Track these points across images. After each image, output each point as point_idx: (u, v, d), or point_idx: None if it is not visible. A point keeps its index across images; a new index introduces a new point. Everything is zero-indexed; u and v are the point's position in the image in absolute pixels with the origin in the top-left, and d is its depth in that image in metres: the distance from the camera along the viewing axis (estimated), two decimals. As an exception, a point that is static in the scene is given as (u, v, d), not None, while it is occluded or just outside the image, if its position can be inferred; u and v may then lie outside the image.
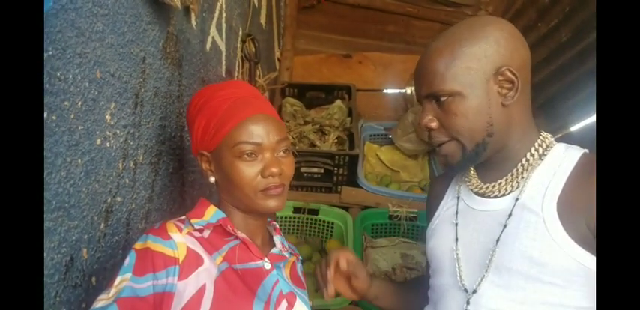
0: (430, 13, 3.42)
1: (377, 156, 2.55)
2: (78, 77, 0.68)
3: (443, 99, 0.78)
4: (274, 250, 0.85)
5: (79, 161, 0.70)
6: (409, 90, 2.91)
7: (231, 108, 0.80)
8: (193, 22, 1.20)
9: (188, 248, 0.73)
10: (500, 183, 0.82)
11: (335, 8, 3.39)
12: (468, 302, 0.80)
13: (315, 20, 3.41)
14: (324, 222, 2.09)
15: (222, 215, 0.81)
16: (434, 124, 0.80)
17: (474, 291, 0.80)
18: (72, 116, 0.67)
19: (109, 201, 0.81)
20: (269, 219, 0.93)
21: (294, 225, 2.11)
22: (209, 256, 0.75)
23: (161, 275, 0.69)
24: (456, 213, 0.88)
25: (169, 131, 1.07)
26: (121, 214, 0.86)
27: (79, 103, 0.69)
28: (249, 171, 0.77)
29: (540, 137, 0.82)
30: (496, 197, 0.83)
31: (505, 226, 0.78)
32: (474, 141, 0.78)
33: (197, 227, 0.77)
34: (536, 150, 0.80)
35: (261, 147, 0.78)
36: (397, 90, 3.17)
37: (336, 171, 2.18)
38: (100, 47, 0.73)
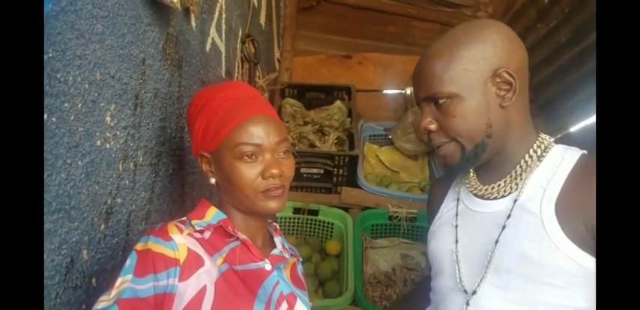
0: (430, 14, 3.43)
1: (377, 157, 2.55)
2: (78, 79, 0.68)
3: (441, 101, 0.78)
4: (275, 251, 0.85)
5: (80, 162, 0.70)
6: (409, 90, 2.92)
7: (231, 109, 0.80)
8: (193, 23, 1.20)
9: (189, 250, 0.73)
10: (500, 184, 0.82)
11: (335, 9, 3.40)
12: (467, 304, 0.80)
13: (314, 21, 3.42)
14: (323, 222, 2.09)
15: (222, 216, 0.81)
16: (433, 126, 0.80)
17: (474, 292, 0.80)
18: (72, 118, 0.67)
19: (109, 202, 0.81)
20: (270, 220, 0.93)
21: (293, 226, 2.11)
22: (210, 257, 0.75)
23: (162, 277, 0.69)
24: (456, 215, 0.89)
25: (169, 132, 1.08)
26: (121, 215, 0.86)
27: (79, 105, 0.69)
28: (249, 172, 0.77)
29: (539, 138, 0.82)
30: (495, 198, 0.83)
31: (504, 227, 0.78)
32: (473, 142, 0.79)
33: (198, 228, 0.77)
34: (535, 151, 0.81)
35: (261, 148, 0.78)
36: (397, 91, 3.17)
37: (335, 172, 2.18)
38: (100, 49, 0.73)
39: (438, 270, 0.90)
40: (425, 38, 3.37)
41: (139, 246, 0.72)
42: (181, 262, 0.71)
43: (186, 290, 0.70)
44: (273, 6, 2.68)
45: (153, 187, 1.00)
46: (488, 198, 0.84)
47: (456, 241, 0.86)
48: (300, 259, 0.97)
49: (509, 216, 0.79)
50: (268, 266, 0.80)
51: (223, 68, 1.58)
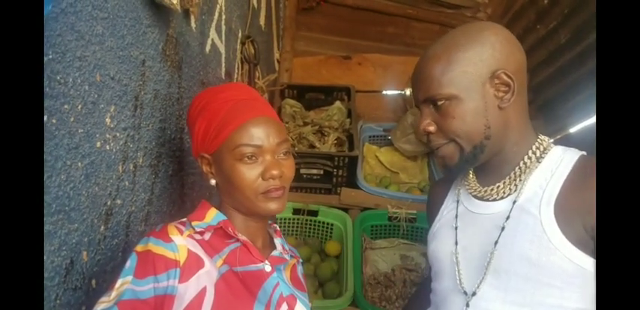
0: (429, 15, 3.43)
1: (376, 158, 2.56)
2: (78, 80, 0.68)
3: (440, 103, 0.79)
4: (275, 253, 0.85)
5: (79, 164, 0.70)
6: (408, 91, 2.92)
7: (232, 110, 0.80)
8: (193, 25, 1.21)
9: (189, 251, 0.73)
10: (499, 186, 0.82)
11: (334, 10, 3.40)
12: (467, 305, 0.80)
13: (314, 22, 3.42)
14: (323, 223, 2.09)
15: (223, 217, 0.81)
16: (432, 128, 0.81)
17: (474, 294, 0.80)
18: (72, 119, 0.67)
19: (108, 203, 0.81)
20: (270, 222, 0.93)
21: (293, 227, 2.11)
22: (210, 259, 0.75)
23: (162, 278, 0.69)
24: (456, 216, 0.89)
25: (169, 133, 1.08)
26: (120, 217, 0.86)
27: (79, 106, 0.69)
28: (249, 173, 0.78)
29: (538, 139, 0.83)
30: (495, 200, 0.83)
31: (503, 229, 0.79)
32: (472, 143, 0.79)
33: (198, 229, 0.77)
34: (534, 152, 0.81)
35: (261, 149, 0.78)
36: (396, 92, 3.17)
37: (335, 173, 2.18)
38: (100, 50, 0.73)
39: (437, 272, 0.90)
40: (424, 39, 3.37)
41: (139, 248, 0.72)
42: (181, 263, 0.71)
43: (186, 291, 0.70)
44: (273, 7, 2.68)
45: (153, 188, 1.00)
46: (487, 200, 0.84)
47: (456, 243, 0.86)
48: (300, 260, 0.97)
49: (508, 218, 0.79)
50: (268, 268, 0.80)
51: (223, 69, 1.58)
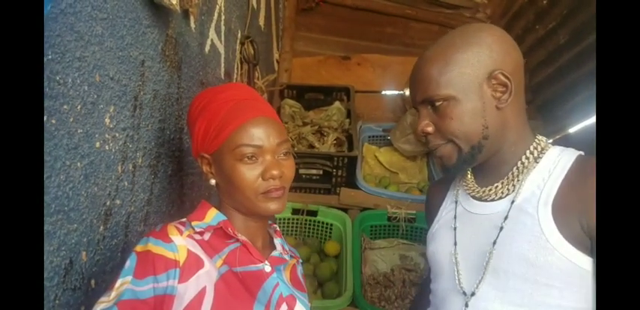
0: (428, 15, 3.44)
1: (375, 158, 2.56)
2: (77, 81, 0.68)
3: (438, 104, 0.79)
4: (275, 253, 0.85)
5: (79, 164, 0.70)
6: (407, 91, 2.92)
7: (232, 110, 0.80)
8: (192, 25, 1.21)
9: (189, 251, 0.73)
10: (497, 186, 0.83)
11: (333, 10, 3.40)
12: (466, 305, 0.81)
13: (313, 22, 3.42)
14: (322, 223, 2.09)
15: (222, 217, 0.81)
16: (430, 129, 0.81)
17: (473, 294, 0.80)
18: (71, 119, 0.67)
19: (108, 203, 0.81)
20: (270, 222, 0.93)
21: (292, 227, 2.11)
22: (209, 259, 0.75)
23: (162, 278, 0.69)
24: (455, 217, 0.89)
25: (168, 133, 1.08)
26: (120, 217, 0.86)
27: (79, 107, 0.69)
28: (250, 173, 0.78)
29: (535, 140, 0.83)
30: (493, 200, 0.83)
31: (501, 228, 0.79)
32: (470, 143, 0.79)
33: (198, 229, 0.77)
34: (532, 152, 0.81)
35: (261, 149, 0.78)
36: (395, 92, 3.17)
37: (334, 173, 2.18)
38: (99, 51, 0.73)
39: (437, 272, 0.90)
40: (423, 39, 3.38)
41: (138, 248, 0.72)
42: (181, 263, 0.71)
43: (186, 291, 0.70)
44: (272, 7, 2.68)
45: (152, 188, 1.00)
46: (485, 200, 0.85)
47: (455, 243, 0.86)
48: (300, 260, 0.97)
49: (506, 218, 0.79)
50: (268, 268, 0.80)
51: (222, 69, 1.58)
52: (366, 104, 3.04)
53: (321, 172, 2.20)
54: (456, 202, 0.91)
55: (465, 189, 0.89)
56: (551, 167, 0.79)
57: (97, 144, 0.75)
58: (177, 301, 0.69)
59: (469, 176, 0.89)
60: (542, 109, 2.62)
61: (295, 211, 2.09)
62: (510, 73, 0.78)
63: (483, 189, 0.85)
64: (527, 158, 0.81)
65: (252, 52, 1.88)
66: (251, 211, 0.81)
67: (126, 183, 0.87)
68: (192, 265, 0.72)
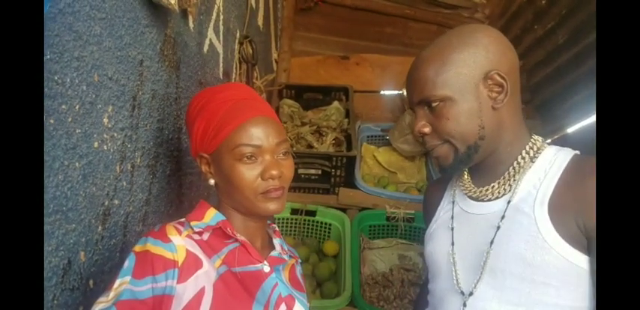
0: (427, 15, 3.44)
1: (374, 158, 2.56)
2: (75, 80, 0.68)
3: (434, 104, 0.79)
4: (274, 253, 0.85)
5: (77, 164, 0.70)
6: (406, 91, 2.92)
7: (230, 110, 0.80)
8: (191, 25, 1.21)
9: (187, 251, 0.73)
10: (493, 186, 0.83)
11: (332, 10, 3.40)
12: (464, 305, 0.81)
13: (312, 22, 3.42)
14: (321, 223, 2.09)
15: (221, 217, 0.81)
16: (427, 129, 0.82)
17: (470, 294, 0.80)
18: (69, 119, 0.67)
19: (106, 203, 0.81)
20: (269, 222, 0.93)
21: (291, 227, 2.11)
22: (208, 259, 0.75)
23: (160, 278, 0.69)
24: (452, 217, 0.89)
25: (167, 133, 1.08)
26: (118, 217, 0.86)
27: (77, 107, 0.69)
28: (249, 173, 0.77)
29: (531, 140, 0.83)
30: (489, 200, 0.84)
31: (498, 228, 0.79)
32: (466, 144, 0.80)
33: (197, 229, 0.77)
34: (527, 152, 0.82)
35: (261, 149, 0.78)
36: (394, 92, 3.18)
37: (333, 173, 2.18)
38: (98, 50, 0.73)
39: (435, 273, 0.91)
40: (422, 39, 3.38)
41: (137, 248, 0.72)
42: (180, 264, 0.71)
43: (185, 291, 0.70)
44: (271, 7, 2.68)
45: (150, 188, 1.00)
46: (482, 200, 0.85)
47: (452, 243, 0.87)
48: (299, 260, 0.97)
49: (503, 217, 0.79)
50: (267, 268, 0.80)
51: (221, 69, 1.58)
52: (364, 104, 3.04)
53: (319, 172, 2.20)
54: (453, 202, 0.91)
55: (462, 189, 0.89)
56: (547, 166, 0.79)
57: (96, 144, 0.75)
58: (176, 301, 0.69)
59: (466, 176, 0.90)
60: (541, 109, 2.62)
61: (294, 211, 2.09)
62: (506, 73, 0.78)
63: (480, 189, 0.85)
64: (524, 158, 0.82)
65: (251, 51, 1.87)
66: (250, 211, 0.81)
67: (124, 183, 0.87)
68: (191, 265, 0.72)
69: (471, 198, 0.87)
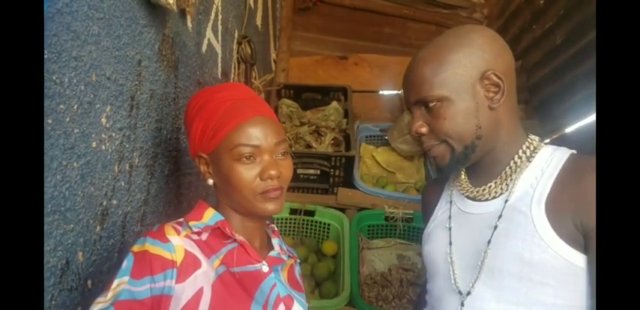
0: (426, 15, 3.44)
1: (373, 158, 2.56)
2: (73, 80, 0.67)
3: (431, 104, 0.80)
4: (272, 253, 0.85)
5: (75, 164, 0.70)
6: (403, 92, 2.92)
7: (229, 110, 0.80)
8: (189, 25, 1.20)
9: (186, 251, 0.73)
10: (490, 186, 0.84)
11: (331, 10, 3.41)
12: (462, 305, 0.81)
13: (311, 22, 3.42)
14: (320, 223, 2.09)
15: (220, 217, 0.81)
16: (424, 129, 0.82)
17: (468, 293, 0.81)
18: (67, 119, 0.67)
19: (104, 204, 0.80)
20: (267, 222, 0.93)
21: (290, 227, 2.11)
22: (207, 259, 0.75)
23: (159, 279, 0.69)
24: (449, 217, 0.90)
25: (165, 133, 1.07)
26: (116, 217, 0.86)
27: (75, 106, 0.69)
28: (247, 173, 0.77)
29: (528, 139, 0.84)
30: (487, 200, 0.84)
31: (496, 227, 0.79)
32: (463, 143, 0.80)
33: (195, 229, 0.77)
34: (524, 152, 0.82)
35: (259, 149, 0.78)
36: (393, 92, 3.18)
37: (332, 173, 2.18)
38: (96, 50, 0.73)
39: (432, 272, 0.91)
40: (421, 39, 3.38)
41: (135, 248, 0.72)
42: (178, 264, 0.71)
43: (183, 292, 0.70)
44: (270, 7, 2.68)
45: (149, 189, 1.00)
46: (479, 200, 0.85)
47: (450, 243, 0.87)
48: (298, 260, 0.96)
49: (500, 217, 0.80)
50: (265, 268, 0.80)
51: (219, 69, 1.58)
52: (363, 104, 3.05)
53: (318, 172, 2.20)
54: (451, 202, 0.92)
55: (459, 189, 0.90)
56: (544, 166, 0.80)
57: (94, 144, 0.75)
58: (175, 301, 0.69)
59: (463, 176, 0.90)
60: (540, 109, 2.62)
61: (293, 211, 2.09)
62: (502, 73, 0.79)
63: (477, 188, 0.85)
64: (520, 157, 0.82)
65: (250, 51, 1.87)
66: (249, 211, 0.81)
67: (122, 183, 0.87)
68: (190, 265, 0.72)
69: (468, 197, 0.87)
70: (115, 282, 0.68)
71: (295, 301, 0.82)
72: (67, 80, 0.66)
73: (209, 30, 1.42)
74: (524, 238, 0.75)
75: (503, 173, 0.83)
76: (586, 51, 2.17)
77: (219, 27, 1.54)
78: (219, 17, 1.53)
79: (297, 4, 3.34)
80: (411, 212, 2.04)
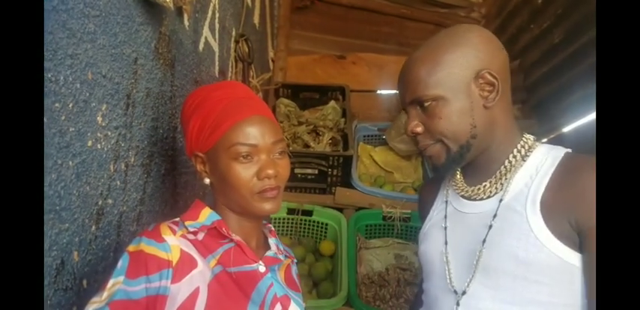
0: (424, 15, 3.44)
1: (371, 157, 2.56)
2: (69, 78, 0.67)
3: (427, 104, 0.80)
4: (269, 253, 0.84)
5: (70, 163, 0.69)
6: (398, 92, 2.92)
7: (226, 108, 0.80)
8: (186, 23, 1.20)
9: (182, 251, 0.73)
10: (485, 185, 0.84)
11: (329, 9, 3.40)
12: (458, 304, 0.81)
13: (308, 20, 3.42)
14: (318, 223, 2.09)
15: (217, 217, 0.81)
16: (419, 129, 0.83)
17: (464, 293, 0.81)
18: (63, 118, 0.66)
19: (100, 203, 0.80)
20: (264, 222, 0.92)
21: (288, 226, 2.11)
22: (203, 259, 0.74)
23: (154, 279, 0.68)
24: (445, 216, 0.90)
25: (161, 132, 1.07)
26: (112, 216, 0.85)
27: (70, 105, 0.68)
28: (245, 173, 0.77)
29: (523, 138, 0.84)
30: (482, 199, 0.84)
31: (491, 227, 0.80)
32: (458, 143, 0.80)
33: (191, 229, 0.77)
34: (519, 151, 0.83)
35: (257, 148, 0.78)
36: (391, 91, 3.18)
37: (330, 172, 2.18)
38: (92, 48, 0.73)
39: (428, 272, 0.91)
40: (418, 38, 3.37)
41: (131, 247, 0.71)
42: (174, 264, 0.71)
43: (179, 292, 0.70)
44: (267, 5, 2.68)
45: (144, 188, 0.99)
46: (475, 199, 0.85)
47: (446, 243, 0.87)
48: (295, 260, 0.96)
49: (495, 216, 0.80)
50: (262, 268, 0.79)
51: (217, 68, 1.57)
52: (361, 103, 3.04)
53: (316, 172, 2.19)
54: (447, 202, 0.92)
55: (455, 189, 0.90)
56: (539, 165, 0.80)
57: (89, 143, 0.75)
58: (170, 301, 0.69)
59: (458, 176, 0.90)
60: (537, 108, 2.63)
61: (290, 211, 2.08)
62: (497, 72, 0.79)
63: (472, 188, 0.85)
64: (515, 156, 0.82)
65: (247, 50, 1.87)
66: (246, 211, 0.81)
67: (118, 183, 0.86)
68: (186, 265, 0.72)
69: (463, 197, 0.88)
70: (111, 282, 0.68)
71: (292, 301, 0.81)
72: (62, 78, 0.65)
73: (206, 28, 1.41)
74: (519, 237, 0.75)
75: (497, 172, 0.83)
76: (584, 50, 2.17)
77: (217, 25, 1.53)
78: (217, 15, 1.52)
79: (294, 3, 3.34)
80: (409, 211, 2.03)
